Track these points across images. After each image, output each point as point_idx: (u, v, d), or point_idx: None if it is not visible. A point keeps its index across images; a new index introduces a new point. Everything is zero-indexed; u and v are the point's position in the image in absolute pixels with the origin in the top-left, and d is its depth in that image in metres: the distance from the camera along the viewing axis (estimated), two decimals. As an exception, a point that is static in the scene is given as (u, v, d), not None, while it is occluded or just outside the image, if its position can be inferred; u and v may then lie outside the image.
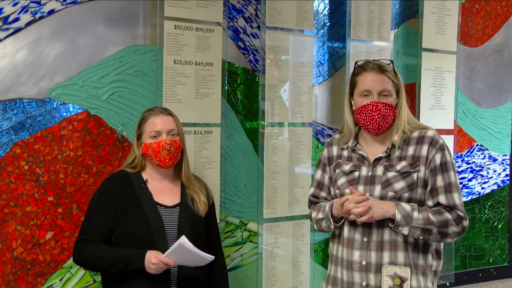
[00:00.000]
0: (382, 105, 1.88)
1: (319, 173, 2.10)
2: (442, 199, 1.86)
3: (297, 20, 2.85)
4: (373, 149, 1.96)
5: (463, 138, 3.58)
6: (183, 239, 1.83)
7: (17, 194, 2.19)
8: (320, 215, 2.00)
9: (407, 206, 1.83)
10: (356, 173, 1.94)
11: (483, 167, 3.70)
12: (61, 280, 2.29)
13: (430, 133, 1.93)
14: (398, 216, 1.80)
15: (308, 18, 2.89)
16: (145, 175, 2.09)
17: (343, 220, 1.93)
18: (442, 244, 1.97)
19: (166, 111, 2.11)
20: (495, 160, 3.77)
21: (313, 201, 2.10)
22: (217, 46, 2.59)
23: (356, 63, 2.01)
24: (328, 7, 3.04)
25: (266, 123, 2.78)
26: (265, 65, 2.76)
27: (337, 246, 1.99)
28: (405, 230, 1.81)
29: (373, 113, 1.88)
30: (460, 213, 1.85)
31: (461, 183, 3.58)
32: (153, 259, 1.86)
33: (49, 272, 2.26)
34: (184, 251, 1.85)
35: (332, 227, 1.95)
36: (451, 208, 1.85)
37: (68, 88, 2.29)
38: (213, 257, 1.93)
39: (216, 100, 2.60)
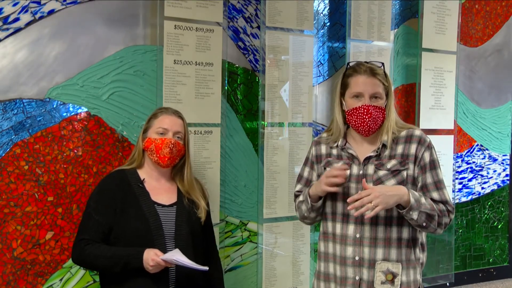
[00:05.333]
0: (373, 108, 1.92)
1: (306, 170, 2.12)
2: (435, 195, 1.93)
3: (297, 20, 2.85)
4: (362, 148, 2.00)
5: (463, 138, 3.58)
6: (177, 256, 1.84)
7: (17, 194, 2.19)
8: (301, 198, 2.06)
9: (415, 192, 1.87)
10: (348, 171, 1.96)
11: (483, 167, 3.70)
12: (61, 280, 2.29)
13: (417, 132, 1.98)
14: (412, 200, 1.82)
15: (308, 18, 2.89)
16: (142, 173, 2.09)
17: (321, 200, 1.97)
18: (425, 237, 2.04)
19: (178, 113, 2.14)
20: (495, 160, 3.77)
21: (298, 196, 2.14)
22: (217, 46, 2.59)
23: (348, 64, 2.03)
24: (328, 7, 3.04)
25: (266, 123, 2.78)
26: (265, 65, 2.76)
27: (329, 243, 2.01)
28: (415, 215, 1.82)
29: (364, 116, 1.92)
30: (449, 207, 1.95)
31: (461, 183, 3.58)
32: (151, 262, 1.87)
33: (49, 272, 2.26)
34: (178, 264, 1.87)
35: (309, 206, 1.99)
36: (443, 203, 1.94)
37: (68, 88, 2.29)
38: (207, 268, 1.92)
39: (216, 100, 2.60)
